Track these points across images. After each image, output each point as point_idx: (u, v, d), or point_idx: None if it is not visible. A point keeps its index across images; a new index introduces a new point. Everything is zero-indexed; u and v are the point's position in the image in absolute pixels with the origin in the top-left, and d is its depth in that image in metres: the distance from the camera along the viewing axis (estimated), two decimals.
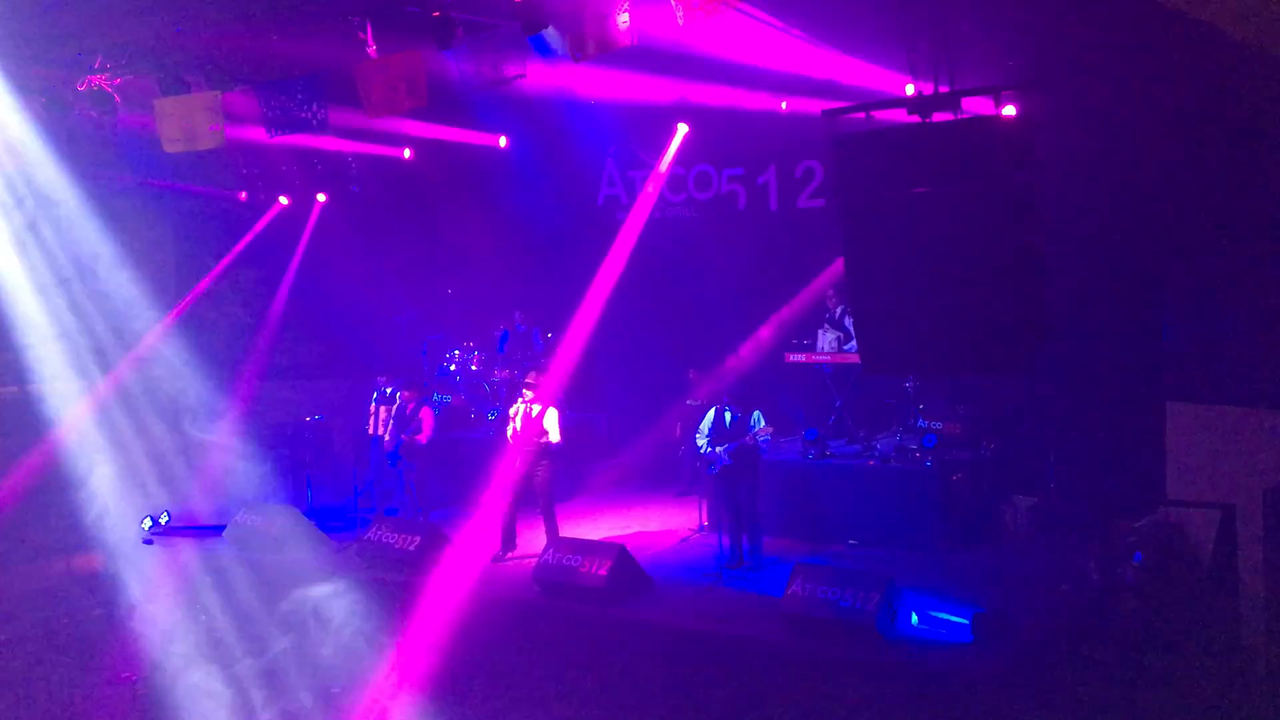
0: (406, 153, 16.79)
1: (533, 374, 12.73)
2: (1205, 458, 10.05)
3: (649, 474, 15.62)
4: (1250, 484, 9.57)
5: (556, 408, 12.41)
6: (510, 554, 12.16)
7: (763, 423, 11.26)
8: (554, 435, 12.07)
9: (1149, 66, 10.63)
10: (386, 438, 13.84)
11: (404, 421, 13.64)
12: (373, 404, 14.21)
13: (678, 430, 14.62)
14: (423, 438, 13.59)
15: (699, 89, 13.18)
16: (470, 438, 15.18)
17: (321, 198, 17.09)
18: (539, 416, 12.08)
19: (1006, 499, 12.21)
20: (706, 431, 11.50)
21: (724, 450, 11.28)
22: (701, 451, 11.55)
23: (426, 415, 13.69)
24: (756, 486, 11.50)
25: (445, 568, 11.93)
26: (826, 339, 13.00)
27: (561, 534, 12.03)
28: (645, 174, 16.06)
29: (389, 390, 14.13)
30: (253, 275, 17.12)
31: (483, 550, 12.35)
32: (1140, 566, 9.65)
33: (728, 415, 11.40)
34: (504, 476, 12.22)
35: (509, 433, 12.25)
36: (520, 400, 12.28)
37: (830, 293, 13.44)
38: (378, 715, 10.84)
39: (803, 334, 13.34)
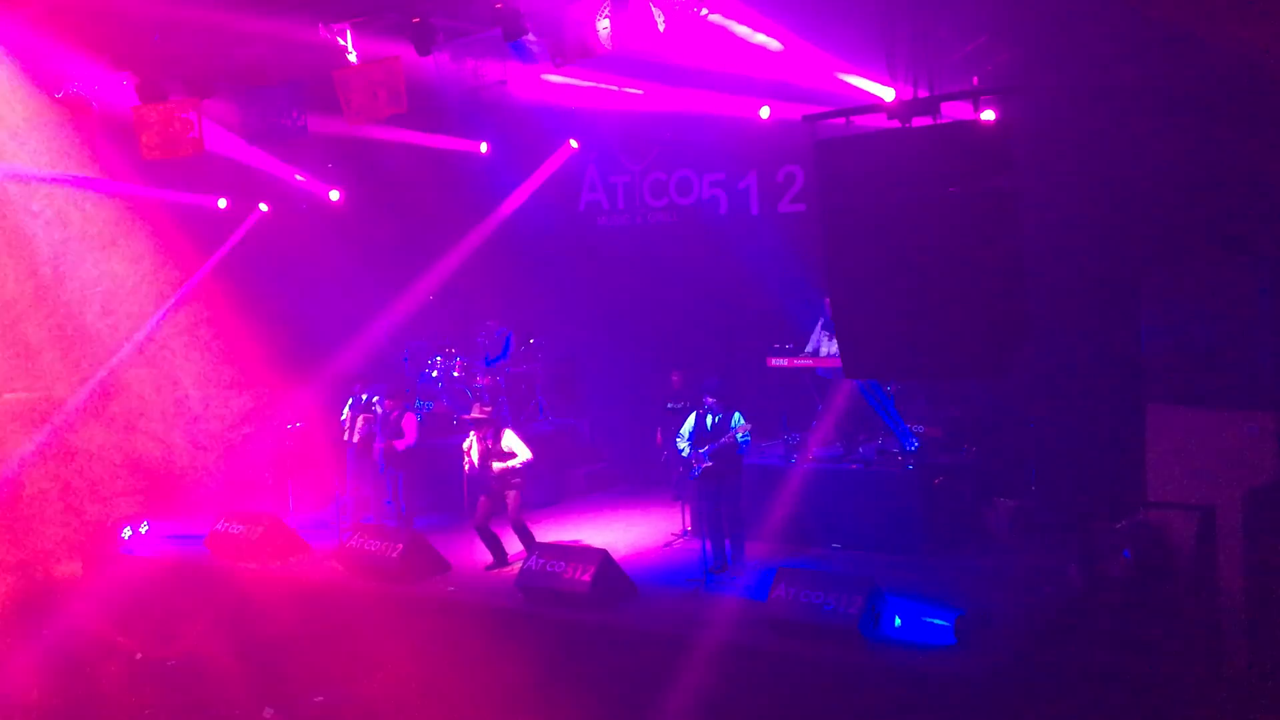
0: (386, 160, 16.75)
1: (478, 406, 12.64)
2: (1185, 460, 10.12)
3: (632, 479, 15.63)
4: (1229, 486, 9.65)
5: (510, 428, 12.37)
6: (503, 568, 12.08)
7: (743, 422, 11.29)
8: (523, 454, 11.96)
9: (1128, 72, 10.70)
10: (356, 440, 13.81)
11: (388, 428, 13.61)
12: (347, 411, 14.16)
13: (658, 436, 14.60)
14: (402, 444, 13.56)
15: (680, 94, 13.20)
16: (454, 443, 15.13)
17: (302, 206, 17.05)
18: (497, 446, 11.95)
19: (988, 501, 12.25)
20: (688, 436, 11.50)
21: (705, 452, 11.31)
22: (684, 456, 11.56)
23: (409, 422, 13.67)
24: (739, 488, 11.52)
25: (428, 575, 11.91)
26: (833, 346, 12.75)
27: (545, 540, 12.00)
28: (626, 179, 16.10)
29: (365, 397, 14.08)
30: (233, 283, 17.04)
31: (466, 557, 12.33)
32: (1128, 564, 9.71)
33: (709, 419, 11.40)
34: (474, 507, 12.09)
35: (465, 467, 12.09)
36: (471, 434, 12.11)
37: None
38: None
39: (784, 338, 13.35)
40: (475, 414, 12.30)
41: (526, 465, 12.01)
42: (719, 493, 11.43)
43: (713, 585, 10.89)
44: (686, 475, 11.79)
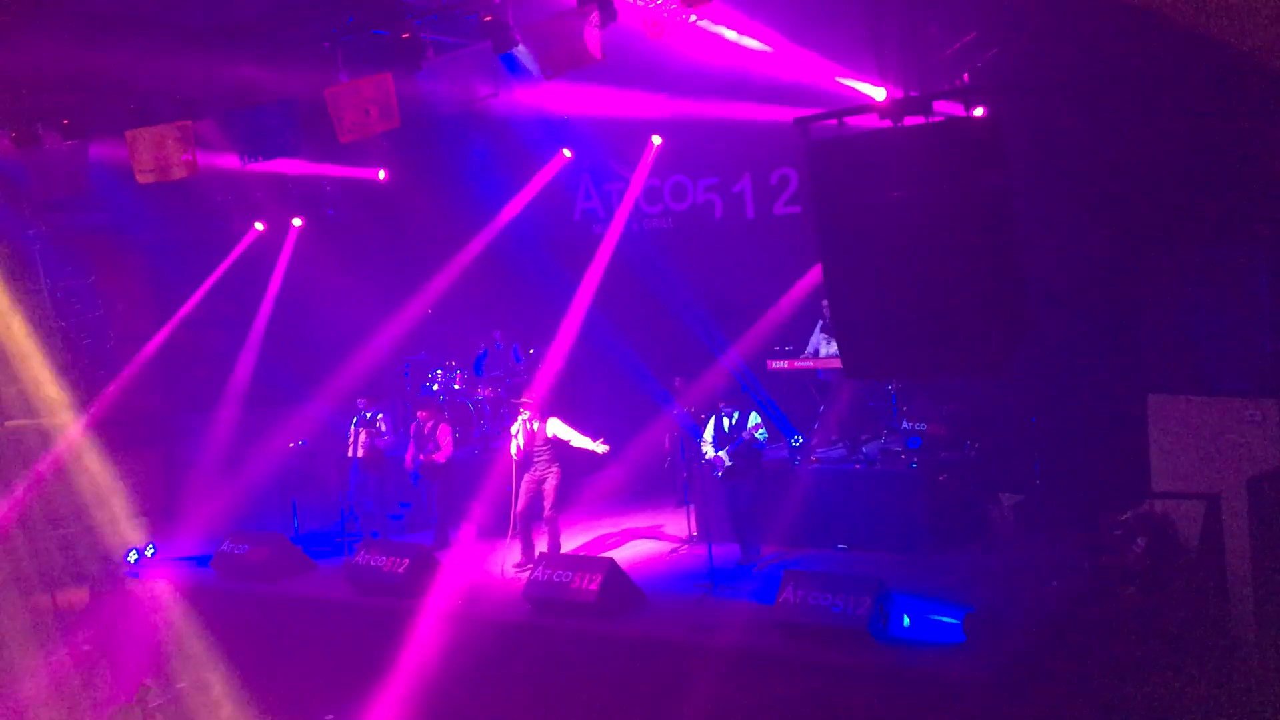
0: (381, 174, 16.79)
1: (526, 391, 12.92)
2: (1188, 449, 10.10)
3: (637, 486, 15.58)
4: (1233, 474, 9.64)
5: (557, 416, 12.48)
6: (528, 564, 12.12)
7: (758, 421, 11.43)
8: (576, 440, 12.18)
9: (1121, 62, 10.70)
10: (360, 454, 13.84)
11: (422, 441, 13.66)
12: (352, 427, 14.17)
13: (666, 443, 14.58)
14: (441, 457, 13.62)
15: (671, 100, 13.21)
16: (456, 458, 15.15)
17: (297, 222, 17.05)
18: (541, 430, 12.20)
19: (993, 497, 12.24)
20: (711, 440, 11.71)
21: (726, 452, 11.39)
22: (707, 458, 11.75)
23: (445, 435, 13.74)
24: (756, 489, 11.63)
25: (435, 589, 11.90)
26: (833, 347, 12.75)
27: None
28: (621, 187, 16.09)
29: (369, 414, 14.10)
30: (231, 303, 17.06)
31: (475, 569, 12.33)
32: (1140, 554, 9.70)
33: (726, 421, 11.57)
34: (519, 491, 12.21)
35: (513, 450, 12.21)
36: (519, 419, 12.31)
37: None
38: None
39: (784, 341, 13.35)
40: (525, 398, 12.64)
41: (570, 450, 12.25)
42: (740, 490, 11.65)
43: (720, 590, 10.89)
44: (709, 477, 11.92)
